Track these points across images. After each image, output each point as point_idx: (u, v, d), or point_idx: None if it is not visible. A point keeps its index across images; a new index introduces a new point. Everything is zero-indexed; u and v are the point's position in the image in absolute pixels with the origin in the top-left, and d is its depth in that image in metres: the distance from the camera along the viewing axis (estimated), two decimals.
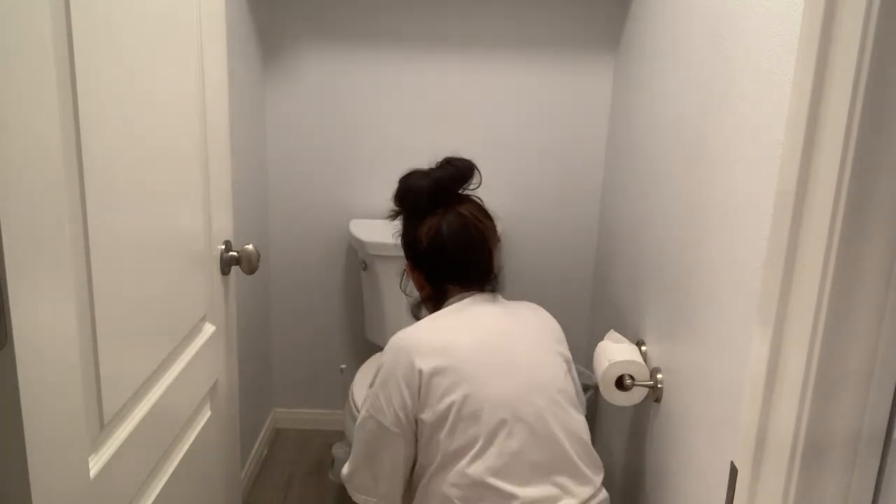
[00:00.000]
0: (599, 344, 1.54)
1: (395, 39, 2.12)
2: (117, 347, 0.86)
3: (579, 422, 1.24)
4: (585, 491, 1.18)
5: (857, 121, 0.65)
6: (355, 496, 1.26)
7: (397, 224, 1.39)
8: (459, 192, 1.35)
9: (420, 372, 1.16)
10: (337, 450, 2.17)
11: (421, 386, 1.16)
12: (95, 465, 0.82)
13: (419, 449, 1.21)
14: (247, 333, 2.02)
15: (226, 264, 1.28)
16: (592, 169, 2.21)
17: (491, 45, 2.12)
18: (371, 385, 1.24)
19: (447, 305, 1.30)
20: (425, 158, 2.20)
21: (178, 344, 1.08)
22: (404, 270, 1.39)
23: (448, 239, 1.28)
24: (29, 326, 0.65)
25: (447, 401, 1.15)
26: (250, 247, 1.29)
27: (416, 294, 1.39)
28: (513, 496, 1.12)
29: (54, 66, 0.69)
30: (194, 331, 1.16)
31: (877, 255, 0.68)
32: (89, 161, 0.77)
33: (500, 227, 2.16)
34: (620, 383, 1.42)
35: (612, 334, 1.56)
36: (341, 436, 2.09)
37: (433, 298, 1.34)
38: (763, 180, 0.93)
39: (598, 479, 1.23)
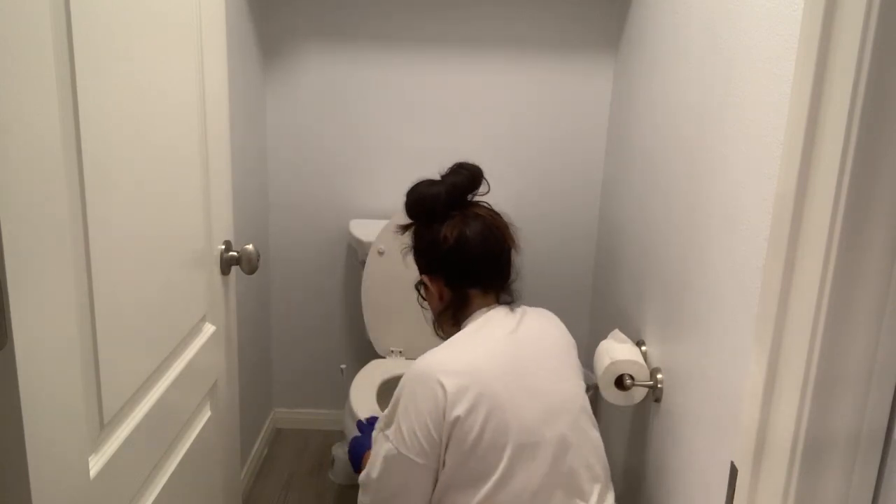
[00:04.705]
0: (601, 343, 1.54)
1: (395, 40, 2.12)
2: (117, 347, 0.86)
3: (598, 442, 1.24)
4: None
5: (857, 121, 0.65)
6: None
7: (405, 240, 1.33)
8: (469, 198, 1.31)
9: (444, 397, 1.12)
10: (337, 450, 2.17)
11: (445, 410, 1.12)
12: (95, 465, 0.81)
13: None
14: (247, 333, 2.02)
15: (226, 264, 1.28)
16: (593, 169, 2.21)
17: (491, 46, 2.12)
18: (389, 411, 1.19)
19: (466, 324, 1.26)
20: (424, 158, 2.22)
21: (178, 344, 1.08)
22: (419, 285, 1.34)
23: (472, 237, 1.24)
24: (29, 326, 0.65)
25: (469, 425, 1.11)
26: (250, 247, 1.29)
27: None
28: None
29: (54, 66, 0.69)
30: (194, 331, 1.16)
31: (877, 255, 0.68)
32: (89, 161, 0.76)
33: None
34: (620, 383, 1.42)
35: (616, 333, 1.56)
36: (341, 436, 2.09)
37: (453, 306, 1.28)
38: (763, 180, 0.93)
39: (611, 498, 1.22)
